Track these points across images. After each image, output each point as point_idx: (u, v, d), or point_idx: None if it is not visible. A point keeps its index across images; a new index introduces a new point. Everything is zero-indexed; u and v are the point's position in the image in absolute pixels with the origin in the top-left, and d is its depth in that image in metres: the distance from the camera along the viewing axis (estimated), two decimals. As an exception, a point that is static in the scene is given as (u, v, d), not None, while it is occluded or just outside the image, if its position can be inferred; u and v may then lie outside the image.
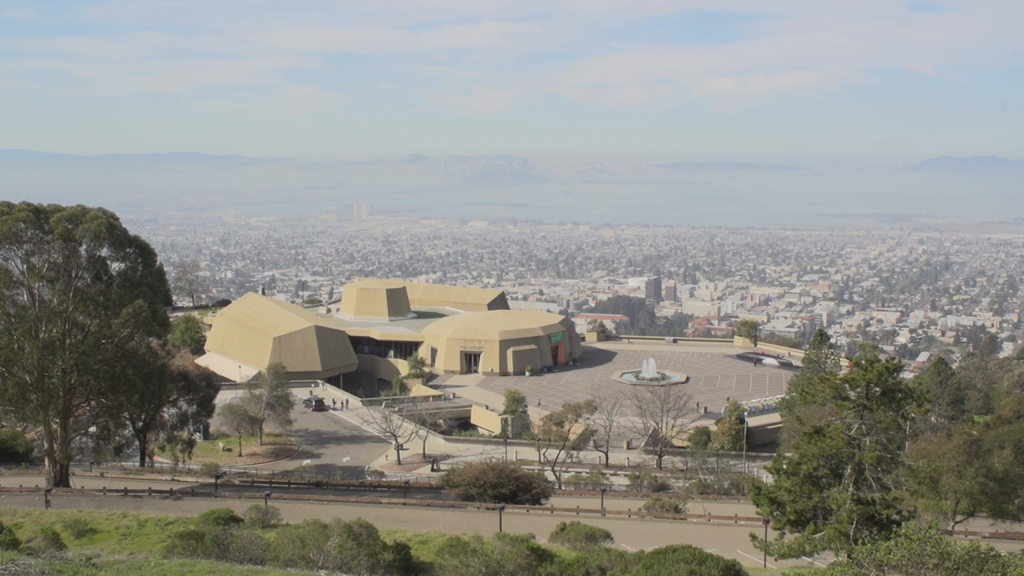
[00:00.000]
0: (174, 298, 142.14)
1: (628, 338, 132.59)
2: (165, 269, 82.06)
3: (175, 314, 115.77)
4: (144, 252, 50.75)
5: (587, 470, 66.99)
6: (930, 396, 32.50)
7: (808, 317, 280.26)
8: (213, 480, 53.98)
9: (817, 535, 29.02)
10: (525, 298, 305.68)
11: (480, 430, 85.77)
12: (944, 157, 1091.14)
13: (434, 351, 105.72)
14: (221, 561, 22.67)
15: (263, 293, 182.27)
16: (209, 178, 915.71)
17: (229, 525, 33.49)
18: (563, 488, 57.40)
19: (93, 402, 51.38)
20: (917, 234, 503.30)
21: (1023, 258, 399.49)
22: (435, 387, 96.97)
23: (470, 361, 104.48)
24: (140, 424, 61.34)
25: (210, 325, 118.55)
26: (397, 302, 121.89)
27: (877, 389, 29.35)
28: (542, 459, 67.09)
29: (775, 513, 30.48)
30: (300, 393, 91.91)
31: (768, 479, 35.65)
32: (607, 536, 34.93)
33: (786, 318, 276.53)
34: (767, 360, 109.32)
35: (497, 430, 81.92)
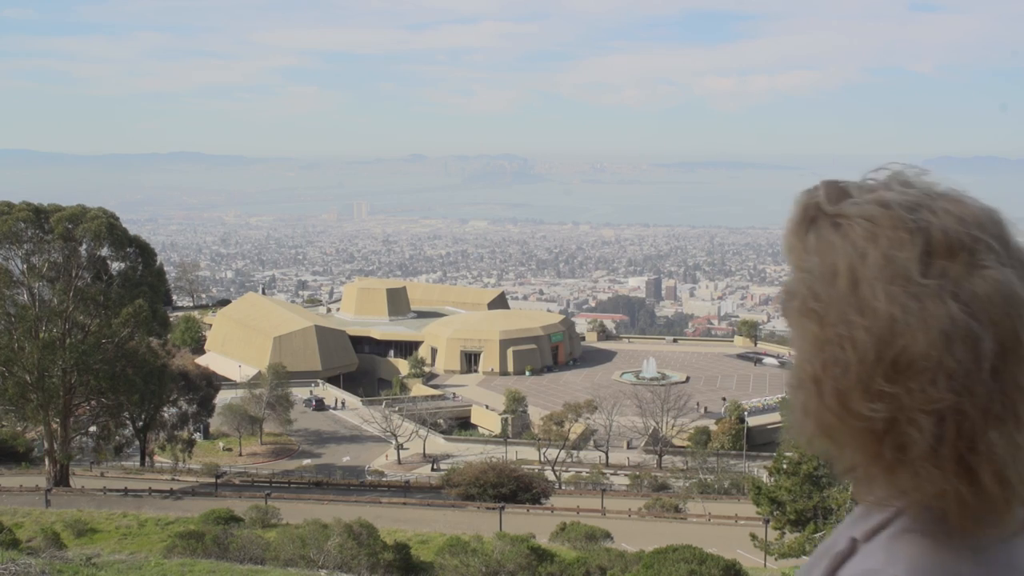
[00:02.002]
0: (174, 298, 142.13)
1: (628, 338, 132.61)
2: (165, 269, 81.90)
3: (175, 314, 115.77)
4: (144, 252, 50.79)
5: (587, 470, 67.00)
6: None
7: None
8: (213, 480, 53.98)
9: (817, 535, 29.04)
10: (525, 298, 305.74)
11: (480, 430, 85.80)
12: (944, 157, 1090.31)
13: (434, 351, 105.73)
14: (221, 561, 22.66)
15: (263, 293, 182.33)
16: (209, 178, 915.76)
17: (229, 525, 33.49)
18: (563, 488, 57.42)
19: (93, 402, 51.41)
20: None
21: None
22: (435, 387, 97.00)
23: (470, 361, 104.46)
24: (140, 424, 61.33)
25: (210, 325, 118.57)
26: (397, 302, 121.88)
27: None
28: (542, 459, 67.12)
29: (775, 513, 30.51)
30: (300, 393, 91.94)
31: (768, 479, 35.67)
32: (607, 536, 34.94)
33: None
34: (767, 360, 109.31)
35: (497, 430, 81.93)
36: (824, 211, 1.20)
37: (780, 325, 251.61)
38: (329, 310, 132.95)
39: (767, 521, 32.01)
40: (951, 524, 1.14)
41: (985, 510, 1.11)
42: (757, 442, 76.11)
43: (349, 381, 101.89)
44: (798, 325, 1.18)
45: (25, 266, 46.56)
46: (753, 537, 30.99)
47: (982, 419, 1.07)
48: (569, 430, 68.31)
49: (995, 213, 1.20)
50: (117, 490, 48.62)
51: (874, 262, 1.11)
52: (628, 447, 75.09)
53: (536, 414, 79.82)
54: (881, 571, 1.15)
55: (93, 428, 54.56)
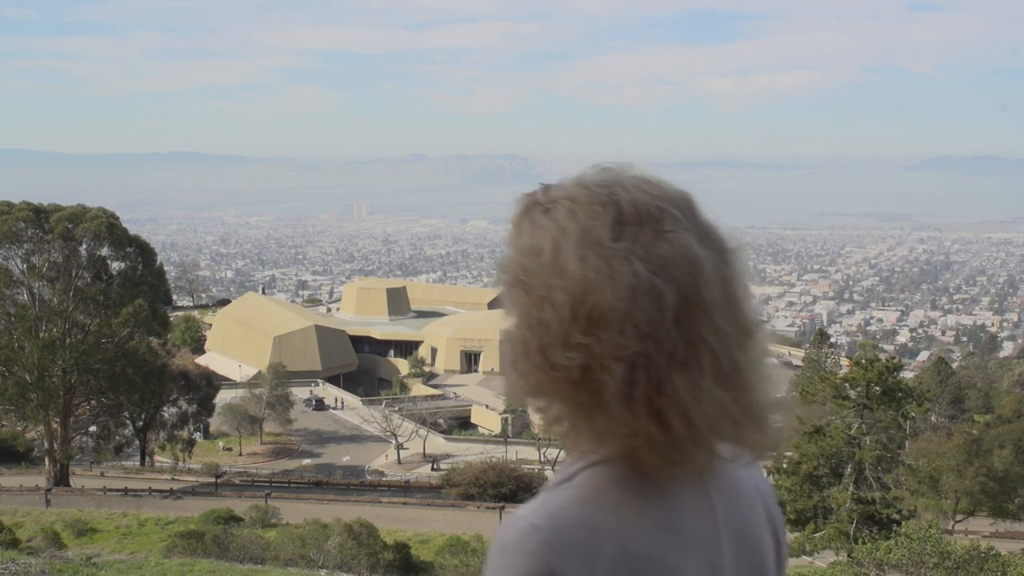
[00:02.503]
0: (174, 297, 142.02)
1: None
2: (165, 268, 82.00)
3: (175, 313, 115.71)
4: (144, 251, 50.78)
5: (587, 469, 66.91)
6: (930, 395, 32.54)
7: (808, 316, 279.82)
8: (213, 479, 53.90)
9: (817, 534, 29.03)
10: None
11: (480, 429, 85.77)
12: (944, 157, 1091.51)
13: (434, 350, 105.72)
14: (221, 560, 22.66)
15: (263, 293, 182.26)
16: (209, 178, 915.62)
17: (229, 524, 33.51)
18: (563, 487, 57.32)
19: (93, 401, 51.41)
20: (917, 233, 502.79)
21: (1023, 257, 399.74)
22: (435, 386, 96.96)
23: (470, 360, 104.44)
24: (140, 423, 61.30)
25: (210, 324, 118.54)
26: (397, 301, 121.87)
27: (877, 388, 29.33)
28: (542, 458, 67.08)
29: (775, 512, 30.44)
30: (300, 392, 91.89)
31: (767, 478, 35.60)
32: (607, 535, 34.84)
33: (786, 317, 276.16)
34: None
35: (497, 429, 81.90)
36: (538, 202, 1.38)
37: (780, 324, 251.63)
38: (329, 310, 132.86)
39: (767, 521, 31.97)
40: (640, 468, 1.26)
41: (674, 449, 1.23)
42: (757, 442, 76.08)
43: (349, 381, 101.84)
44: (509, 295, 1.31)
45: (25, 266, 46.56)
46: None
47: (667, 365, 1.20)
48: (569, 430, 68.25)
49: (685, 193, 1.40)
50: (117, 490, 48.59)
51: (573, 233, 1.26)
52: (628, 447, 75.06)
53: (536, 414, 79.69)
54: (524, 517, 1.26)
55: (93, 428, 54.57)
